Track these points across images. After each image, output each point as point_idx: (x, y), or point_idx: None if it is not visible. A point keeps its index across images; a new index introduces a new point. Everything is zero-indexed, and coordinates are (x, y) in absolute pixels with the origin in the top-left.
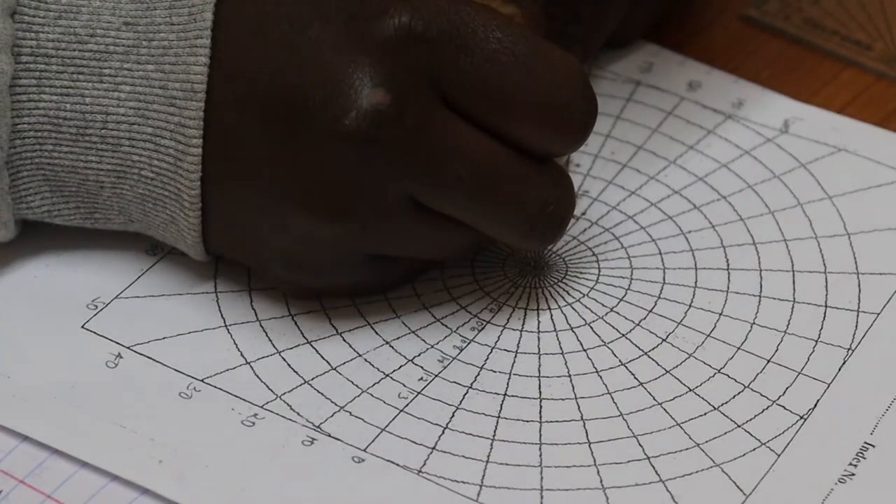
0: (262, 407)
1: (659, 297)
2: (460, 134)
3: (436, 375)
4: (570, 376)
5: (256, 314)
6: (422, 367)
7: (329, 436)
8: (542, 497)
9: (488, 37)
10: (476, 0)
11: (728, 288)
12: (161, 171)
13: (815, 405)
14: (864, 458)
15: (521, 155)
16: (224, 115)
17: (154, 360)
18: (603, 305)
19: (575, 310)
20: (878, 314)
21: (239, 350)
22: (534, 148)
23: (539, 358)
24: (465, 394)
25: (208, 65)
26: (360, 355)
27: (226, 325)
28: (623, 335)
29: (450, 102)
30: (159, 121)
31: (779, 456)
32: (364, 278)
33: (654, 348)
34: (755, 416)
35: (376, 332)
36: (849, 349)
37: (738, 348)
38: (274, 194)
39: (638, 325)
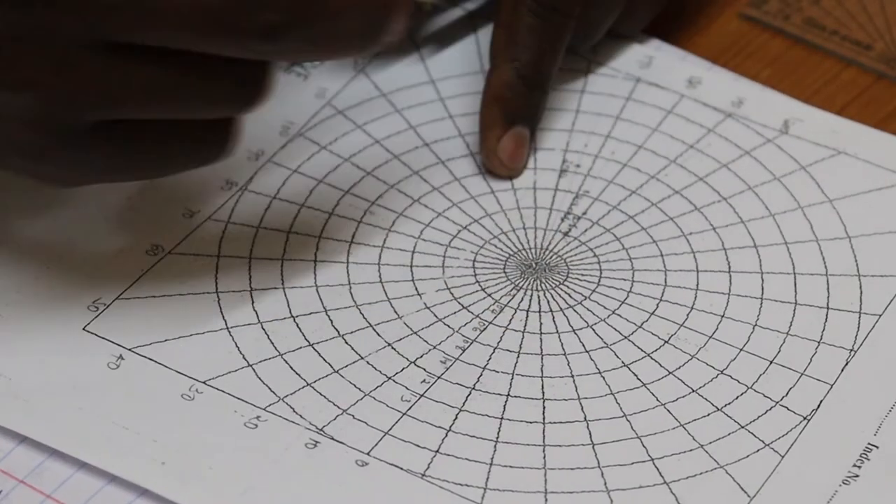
0: (264, 409)
1: (661, 300)
2: None
3: (438, 377)
4: (573, 377)
5: (258, 316)
6: (424, 369)
7: (332, 439)
8: (546, 499)
9: None
10: None
11: (730, 291)
12: None
13: (819, 406)
14: (868, 460)
15: None
16: None
17: (156, 361)
18: (605, 308)
19: (577, 312)
20: (880, 316)
21: (241, 352)
22: None
23: (542, 359)
24: (468, 395)
25: None
26: (362, 357)
27: (227, 328)
28: (625, 337)
29: None
30: None
31: (783, 457)
32: (103, 153)
33: (656, 350)
34: (758, 416)
35: (378, 334)
36: (851, 350)
37: (741, 349)
38: None
39: (640, 327)
